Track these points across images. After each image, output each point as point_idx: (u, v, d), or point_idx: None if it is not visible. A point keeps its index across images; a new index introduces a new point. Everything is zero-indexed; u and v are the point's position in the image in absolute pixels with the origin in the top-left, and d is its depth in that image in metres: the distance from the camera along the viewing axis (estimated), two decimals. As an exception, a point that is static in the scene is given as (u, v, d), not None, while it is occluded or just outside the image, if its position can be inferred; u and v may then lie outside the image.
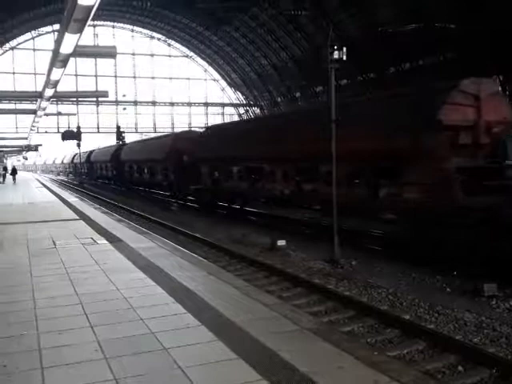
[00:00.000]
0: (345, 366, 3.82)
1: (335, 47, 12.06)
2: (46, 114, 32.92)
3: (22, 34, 52.45)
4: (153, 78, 59.58)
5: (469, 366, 6.10)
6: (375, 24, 29.15)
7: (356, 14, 32.03)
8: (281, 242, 13.67)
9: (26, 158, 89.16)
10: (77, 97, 46.38)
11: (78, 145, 44.02)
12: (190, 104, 60.68)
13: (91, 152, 52.76)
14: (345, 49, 12.09)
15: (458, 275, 10.24)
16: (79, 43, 11.55)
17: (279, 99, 50.70)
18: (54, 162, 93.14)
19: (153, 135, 49.06)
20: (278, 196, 17.39)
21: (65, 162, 76.61)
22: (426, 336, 6.95)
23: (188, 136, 27.59)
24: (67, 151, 71.03)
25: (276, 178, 17.19)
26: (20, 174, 54.46)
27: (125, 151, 38.63)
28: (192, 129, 46.27)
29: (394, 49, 29.77)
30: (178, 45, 59.25)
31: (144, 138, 49.53)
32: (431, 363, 6.23)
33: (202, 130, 29.37)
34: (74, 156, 60.18)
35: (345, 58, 12.10)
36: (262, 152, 17.19)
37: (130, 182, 38.13)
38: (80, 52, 13.28)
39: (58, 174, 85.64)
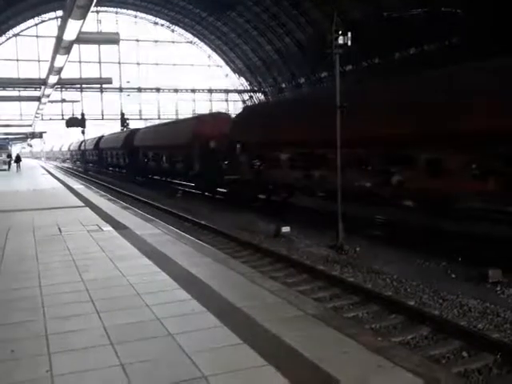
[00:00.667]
0: (349, 351, 3.84)
1: (340, 32, 11.98)
2: (51, 101, 32.92)
3: (25, 21, 52.27)
4: (157, 64, 59.34)
5: (473, 352, 6.12)
6: (380, 8, 28.88)
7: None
8: (285, 229, 13.69)
9: (31, 146, 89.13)
10: (81, 83, 46.23)
11: (83, 132, 44.00)
12: (194, 90, 60.47)
13: (100, 138, 49.74)
14: (350, 34, 12.00)
15: (462, 261, 10.25)
16: (83, 29, 11.51)
17: (283, 85, 50.47)
18: (60, 149, 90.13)
19: (157, 122, 48.89)
20: (352, 189, 13.20)
21: (72, 149, 73.10)
22: (430, 322, 6.97)
23: (215, 119, 24.43)
24: (73, 138, 70.41)
25: (351, 168, 13.25)
26: (26, 162, 54.59)
27: (139, 136, 35.09)
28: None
29: (399, 34, 29.51)
30: (181, 31, 58.91)
31: (163, 122, 45.39)
32: (435, 349, 6.26)
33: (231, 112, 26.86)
34: (82, 143, 55.68)
35: (349, 43, 12.02)
36: (327, 135, 12.64)
37: (145, 170, 34.87)
38: (83, 38, 13.22)
39: (64, 162, 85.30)
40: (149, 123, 52.07)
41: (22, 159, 43.59)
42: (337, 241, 12.05)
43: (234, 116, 25.55)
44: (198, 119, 26.09)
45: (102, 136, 50.07)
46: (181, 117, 51.44)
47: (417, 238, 11.57)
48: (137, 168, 35.96)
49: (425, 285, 8.88)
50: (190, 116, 43.87)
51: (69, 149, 77.48)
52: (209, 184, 23.58)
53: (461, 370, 5.68)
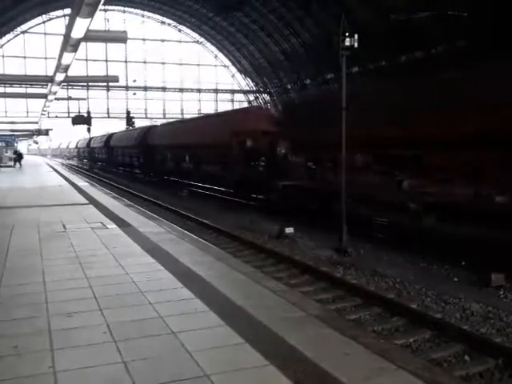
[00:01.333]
0: (351, 352, 3.84)
1: (347, 34, 11.98)
2: (57, 99, 32.98)
3: (33, 18, 52.40)
4: (163, 63, 59.41)
5: (475, 356, 6.12)
6: (387, 11, 28.85)
7: (368, 1, 31.68)
8: (289, 230, 13.70)
9: (37, 143, 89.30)
10: (87, 81, 46.32)
11: (88, 129, 44.07)
12: (199, 90, 60.49)
13: (111, 135, 46.58)
14: (356, 36, 12.00)
15: (465, 265, 10.23)
16: (90, 28, 11.54)
17: (289, 86, 50.43)
18: (67, 146, 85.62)
19: (163, 121, 48.89)
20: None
21: (79, 146, 69.20)
22: (432, 325, 6.97)
23: (256, 113, 21.29)
24: (79, 135, 69.99)
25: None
26: (32, 159, 54.73)
27: (157, 134, 32.10)
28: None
29: (406, 36, 29.47)
30: (188, 30, 58.92)
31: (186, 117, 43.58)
32: (438, 352, 6.26)
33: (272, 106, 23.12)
34: (91, 140, 53.76)
35: (356, 45, 12.02)
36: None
37: (164, 172, 31.84)
38: (91, 37, 13.26)
39: (71, 159, 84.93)
40: (154, 122, 52.07)
41: (29, 157, 43.70)
42: (340, 243, 12.04)
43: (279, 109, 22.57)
44: (237, 114, 23.63)
45: (114, 133, 47.42)
46: (186, 116, 51.37)
47: (420, 241, 11.55)
48: (154, 169, 33.12)
49: (427, 288, 8.87)
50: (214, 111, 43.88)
51: (76, 146, 73.92)
52: (250, 190, 19.80)
53: (463, 374, 5.67)
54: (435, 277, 9.80)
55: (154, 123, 47.76)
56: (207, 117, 30.94)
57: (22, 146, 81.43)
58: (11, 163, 41.17)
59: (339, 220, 12.20)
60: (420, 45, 30.56)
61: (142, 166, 36.47)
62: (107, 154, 48.88)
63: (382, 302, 8.04)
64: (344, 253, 11.74)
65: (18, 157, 41.36)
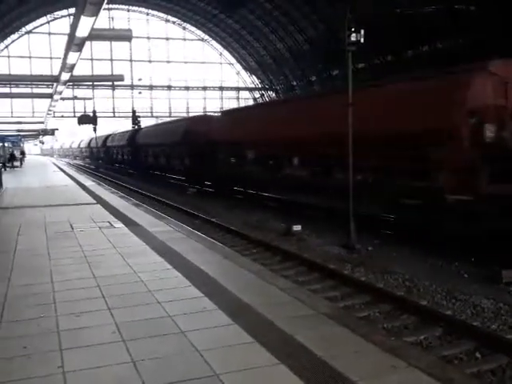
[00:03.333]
0: (361, 350, 3.81)
1: (353, 29, 11.90)
2: (63, 98, 33.09)
3: (38, 18, 52.56)
4: (168, 61, 59.45)
5: (486, 353, 6.05)
6: (393, 5, 28.72)
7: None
8: (296, 227, 13.65)
9: (43, 143, 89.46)
10: (93, 81, 46.48)
11: (94, 129, 44.20)
12: (205, 88, 60.52)
13: (137, 131, 40.39)
14: (362, 31, 11.92)
15: (475, 261, 10.15)
16: (95, 26, 11.53)
17: (295, 83, 50.35)
18: (79, 145, 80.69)
19: (168, 119, 48.86)
20: None
21: (92, 145, 61.63)
22: (443, 322, 6.91)
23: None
24: (84, 135, 69.72)
25: None
26: (37, 159, 54.90)
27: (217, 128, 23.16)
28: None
29: (412, 31, 29.33)
30: (193, 28, 58.96)
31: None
32: (448, 349, 6.19)
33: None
34: (107, 137, 47.89)
35: (362, 40, 11.94)
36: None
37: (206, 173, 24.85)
38: (96, 35, 13.27)
39: (75, 158, 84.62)
40: (160, 121, 52.05)
41: (36, 157, 43.79)
42: (348, 240, 11.98)
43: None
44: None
45: (141, 128, 41.57)
46: (192, 115, 51.27)
47: (429, 237, 11.47)
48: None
49: (437, 285, 8.80)
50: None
51: (88, 145, 66.82)
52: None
53: (474, 371, 5.61)
54: (445, 273, 9.72)
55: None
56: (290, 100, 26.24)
57: (27, 146, 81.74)
58: (17, 163, 41.32)
59: (347, 217, 12.14)
60: (427, 39, 30.42)
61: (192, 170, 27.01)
62: (131, 154, 40.31)
63: (391, 299, 7.98)
64: (352, 250, 11.69)
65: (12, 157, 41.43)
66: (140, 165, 37.82)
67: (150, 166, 35.82)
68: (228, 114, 26.08)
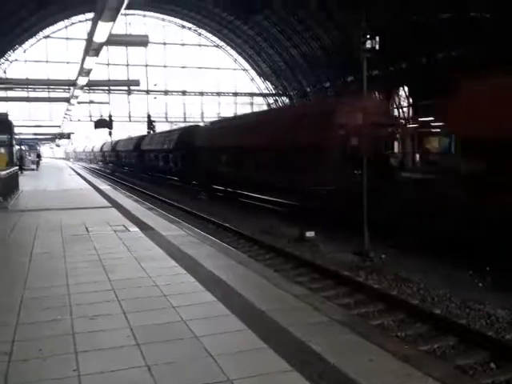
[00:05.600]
0: (375, 358, 3.79)
1: (368, 36, 11.90)
2: (79, 103, 33.43)
3: (56, 23, 53.16)
4: (183, 67, 59.78)
5: (501, 363, 6.00)
6: (408, 12, 28.68)
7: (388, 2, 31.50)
8: (309, 234, 13.63)
9: (59, 146, 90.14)
10: (109, 85, 46.87)
11: (110, 133, 44.54)
12: (219, 94, 60.74)
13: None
14: (377, 38, 11.92)
15: (490, 270, 10.06)
16: (112, 32, 11.65)
17: (308, 89, 50.36)
18: (92, 149, 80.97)
19: (182, 125, 49.15)
20: None
21: (104, 150, 65.49)
22: (457, 331, 6.86)
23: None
24: (101, 139, 69.88)
25: None
26: (54, 162, 55.36)
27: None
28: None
29: (427, 38, 29.23)
30: (208, 34, 59.27)
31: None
32: (463, 359, 6.15)
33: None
34: (140, 140, 45.93)
35: (377, 47, 11.94)
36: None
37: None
38: (113, 41, 13.41)
39: (91, 162, 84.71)
40: (175, 126, 52.33)
41: (55, 160, 44.21)
42: (362, 247, 11.94)
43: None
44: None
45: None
46: (207, 120, 51.46)
47: (443, 245, 11.39)
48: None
49: (451, 294, 8.74)
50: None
51: (101, 150, 69.37)
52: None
53: (489, 382, 5.56)
54: (459, 282, 9.64)
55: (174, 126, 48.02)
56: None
57: (44, 149, 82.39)
58: (34, 166, 41.77)
59: (361, 224, 12.10)
60: (441, 46, 30.28)
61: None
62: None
63: (405, 307, 7.94)
64: (366, 257, 11.64)
65: (37, 158, 41.87)
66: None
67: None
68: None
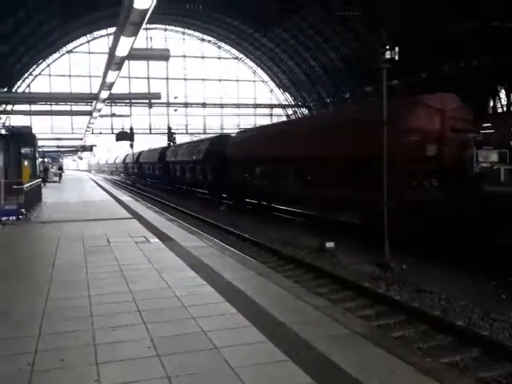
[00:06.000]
0: (397, 371, 3.75)
1: (387, 47, 11.90)
2: (101, 116, 33.84)
3: (78, 38, 54.19)
4: (203, 79, 60.31)
5: (526, 376, 5.88)
6: (428, 21, 28.59)
7: (407, 12, 31.43)
8: (329, 244, 13.56)
9: (81, 158, 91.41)
10: (130, 98, 47.39)
11: (131, 145, 44.99)
12: (238, 105, 61.09)
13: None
14: (397, 48, 11.90)
15: (513, 281, 9.89)
16: (134, 46, 11.81)
17: (328, 100, 50.38)
18: (124, 160, 71.35)
19: (202, 136, 49.43)
20: None
21: (127, 161, 63.79)
22: (480, 343, 6.75)
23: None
24: (122, 151, 69.90)
25: None
26: (76, 174, 56.00)
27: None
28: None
29: (448, 47, 29.09)
30: (227, 47, 59.86)
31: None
32: (486, 371, 6.04)
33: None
34: (165, 151, 43.21)
35: (397, 57, 11.92)
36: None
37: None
38: (134, 55, 13.54)
39: (112, 174, 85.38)
40: (195, 137, 52.64)
41: (79, 172, 44.79)
42: (382, 258, 11.84)
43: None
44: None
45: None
46: (226, 131, 51.63)
47: (465, 256, 11.24)
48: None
49: (474, 305, 8.61)
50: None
51: (124, 161, 67.66)
52: None
53: (513, 396, 5.46)
54: (482, 293, 9.49)
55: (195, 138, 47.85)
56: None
57: (66, 161, 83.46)
58: (56, 178, 42.38)
59: (381, 235, 12.01)
60: (462, 56, 30.11)
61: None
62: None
63: (426, 318, 7.84)
64: (387, 268, 11.53)
65: (59, 170, 42.47)
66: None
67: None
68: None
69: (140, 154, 54.76)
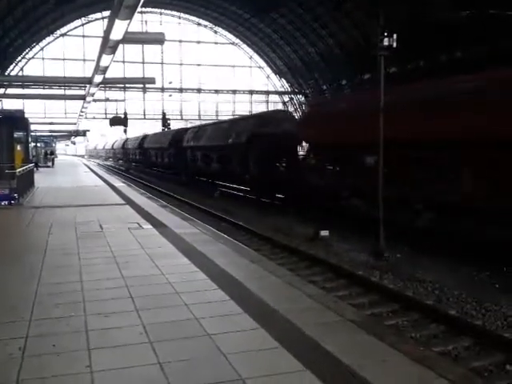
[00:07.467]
0: (389, 359, 3.75)
1: (385, 34, 11.79)
2: (95, 100, 33.56)
3: (72, 21, 53.54)
4: (198, 65, 59.86)
5: (517, 366, 5.91)
6: (426, 9, 28.39)
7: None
8: (324, 233, 13.55)
9: (74, 143, 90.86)
10: (124, 83, 47.02)
11: (125, 131, 44.75)
12: (234, 91, 60.76)
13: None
14: (395, 36, 11.80)
15: (507, 271, 9.92)
16: (128, 30, 11.65)
17: (324, 87, 50.15)
18: (123, 145, 62.80)
19: (197, 123, 49.02)
20: None
21: (154, 145, 43.42)
22: (472, 332, 6.77)
23: None
24: (116, 136, 68.76)
25: None
26: (69, 159, 55.69)
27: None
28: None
29: (445, 35, 28.94)
30: (224, 32, 59.30)
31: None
32: (478, 361, 6.07)
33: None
34: (182, 134, 33.77)
35: (395, 44, 11.81)
36: None
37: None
38: (129, 38, 13.36)
39: (106, 160, 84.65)
40: (190, 124, 52.31)
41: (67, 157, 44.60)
42: (377, 247, 11.84)
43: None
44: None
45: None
46: (221, 118, 51.31)
47: (459, 246, 11.27)
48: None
49: (467, 294, 8.64)
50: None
51: (123, 146, 59.95)
52: None
53: (504, 385, 5.49)
54: (475, 283, 9.53)
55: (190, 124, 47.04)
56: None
57: (59, 146, 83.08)
58: (49, 163, 42.18)
59: (376, 223, 12.00)
60: (459, 44, 29.97)
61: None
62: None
63: (420, 307, 7.86)
64: (381, 257, 11.54)
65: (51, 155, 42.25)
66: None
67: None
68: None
69: (144, 137, 47.58)
